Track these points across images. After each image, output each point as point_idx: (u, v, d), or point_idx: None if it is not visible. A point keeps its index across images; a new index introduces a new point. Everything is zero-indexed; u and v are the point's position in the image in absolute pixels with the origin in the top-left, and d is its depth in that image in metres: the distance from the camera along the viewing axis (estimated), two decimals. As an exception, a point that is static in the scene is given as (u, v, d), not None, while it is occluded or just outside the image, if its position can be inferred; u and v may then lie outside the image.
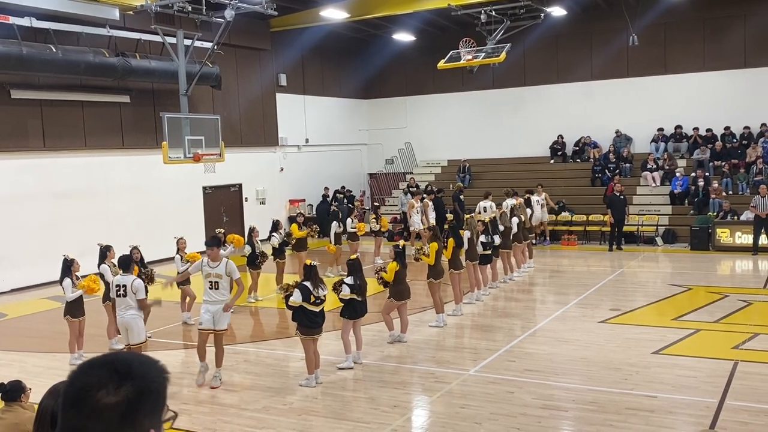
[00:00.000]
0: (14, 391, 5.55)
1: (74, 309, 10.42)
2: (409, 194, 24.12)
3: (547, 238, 21.21)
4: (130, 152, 19.43)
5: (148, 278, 11.76)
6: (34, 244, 16.76)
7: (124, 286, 9.19)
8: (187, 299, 12.92)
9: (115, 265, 11.30)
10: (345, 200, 25.26)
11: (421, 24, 24.86)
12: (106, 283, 11.09)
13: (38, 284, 16.57)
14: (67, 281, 10.31)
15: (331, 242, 17.09)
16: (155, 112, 19.23)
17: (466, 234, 13.37)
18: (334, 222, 17.25)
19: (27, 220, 16.82)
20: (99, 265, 11.27)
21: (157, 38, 17.45)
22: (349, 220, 17.71)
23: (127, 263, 9.51)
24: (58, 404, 1.58)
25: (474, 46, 19.66)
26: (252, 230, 14.57)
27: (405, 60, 27.54)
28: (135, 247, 11.87)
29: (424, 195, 21.39)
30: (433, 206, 20.69)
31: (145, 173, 19.54)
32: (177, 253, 12.83)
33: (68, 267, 10.43)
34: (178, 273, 12.12)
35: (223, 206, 22.85)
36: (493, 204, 18.75)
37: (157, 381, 1.61)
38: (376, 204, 23.87)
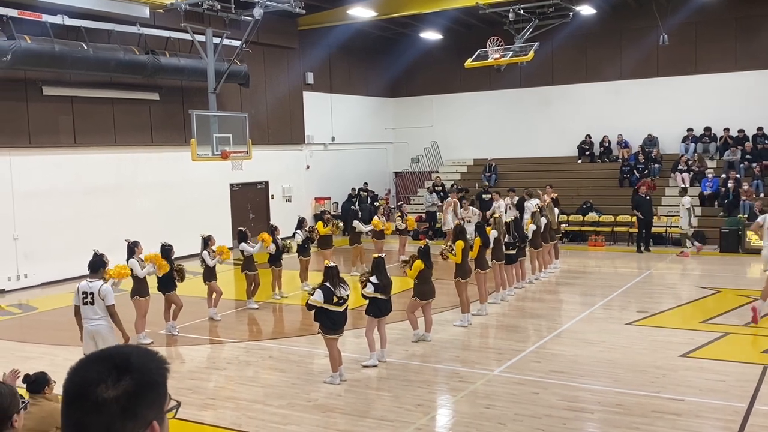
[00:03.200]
0: (39, 383, 5.59)
1: None
2: (434, 193, 24.12)
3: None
4: (159, 149, 19.64)
5: (180, 275, 11.91)
6: (64, 239, 17.01)
7: (92, 293, 8.72)
8: (214, 295, 13.03)
9: (142, 260, 11.46)
10: (369, 199, 25.31)
11: (448, 22, 24.79)
12: (135, 278, 11.24)
13: (68, 278, 16.80)
14: None
15: (367, 237, 16.95)
16: (184, 109, 19.41)
17: (493, 233, 13.34)
18: (356, 221, 17.22)
19: (57, 215, 17.08)
20: (127, 260, 11.41)
21: (187, 36, 17.62)
22: (375, 218, 17.72)
23: (96, 266, 8.97)
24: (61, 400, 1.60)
25: (502, 45, 19.58)
26: (274, 228, 14.67)
27: (432, 58, 27.47)
28: (170, 246, 12.00)
29: (449, 194, 21.37)
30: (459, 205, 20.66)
31: (173, 170, 19.74)
32: (204, 249, 12.95)
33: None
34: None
35: (250, 203, 23.01)
36: (511, 203, 18.78)
37: (157, 373, 1.61)
38: (400, 203, 23.90)
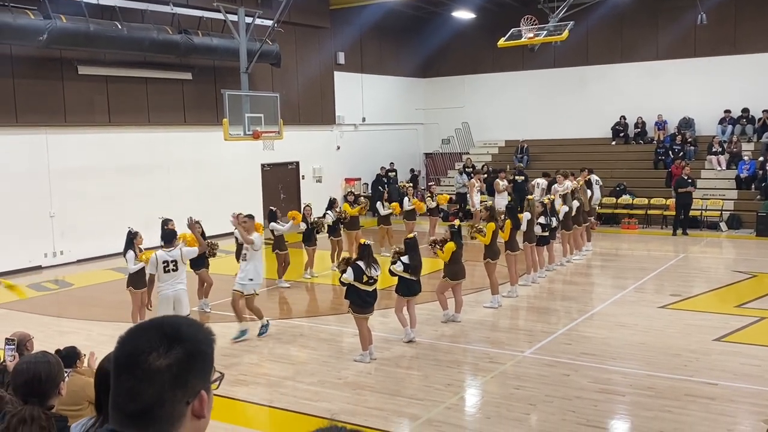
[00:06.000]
0: (69, 357, 5.64)
1: (137, 280, 10.70)
2: (465, 175, 23.99)
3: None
4: (192, 128, 19.79)
5: (210, 251, 12.03)
6: (98, 217, 17.27)
7: (174, 261, 9.41)
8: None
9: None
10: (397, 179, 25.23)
11: (481, 1, 24.50)
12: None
13: (103, 255, 17.09)
14: (131, 253, 10.57)
15: (398, 218, 17.02)
16: (216, 89, 19.51)
17: (525, 215, 13.25)
18: (378, 203, 17.24)
19: (92, 193, 17.35)
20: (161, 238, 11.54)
21: (219, 16, 17.66)
22: (406, 199, 17.69)
23: (170, 237, 9.70)
24: (110, 368, 1.62)
25: (536, 24, 19.28)
26: (305, 207, 14.74)
27: (464, 38, 27.20)
28: (197, 222, 12.10)
29: (472, 175, 21.23)
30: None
31: (205, 149, 19.90)
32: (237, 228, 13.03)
33: (132, 239, 10.71)
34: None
35: (281, 183, 23.12)
36: (545, 181, 18.65)
37: (206, 343, 1.64)
38: (430, 183, 23.82)
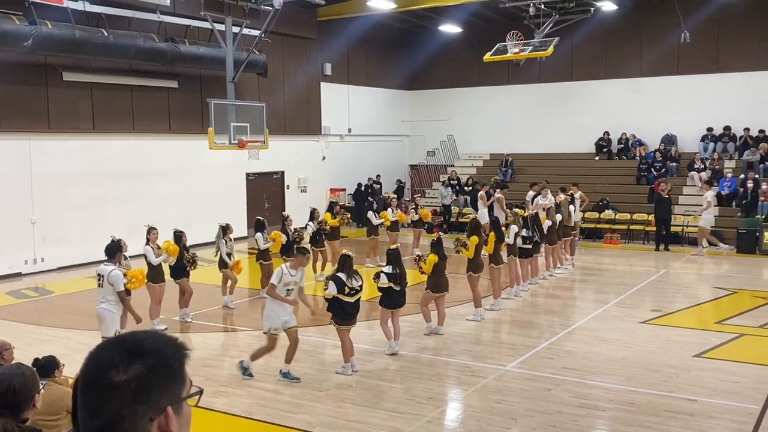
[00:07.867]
0: (48, 367, 5.60)
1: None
2: (450, 187, 24.05)
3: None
4: (177, 137, 19.73)
5: (191, 263, 11.93)
6: (81, 224, 17.15)
7: (101, 276, 8.91)
8: (229, 282, 13.08)
9: (159, 247, 11.52)
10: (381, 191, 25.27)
11: (468, 16, 24.68)
12: (149, 264, 11.30)
13: (84, 263, 16.94)
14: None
15: (381, 228, 17.00)
16: (202, 98, 19.47)
17: (513, 228, 13.30)
18: (370, 212, 17.28)
19: (75, 200, 17.22)
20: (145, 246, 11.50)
21: (206, 25, 17.66)
22: (389, 210, 17.70)
23: (112, 252, 9.17)
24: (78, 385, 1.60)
25: (521, 40, 19.45)
26: (285, 218, 14.71)
27: (450, 52, 27.36)
28: (182, 233, 12.04)
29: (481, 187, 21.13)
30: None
31: (190, 158, 19.83)
32: (222, 237, 13.00)
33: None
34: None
35: (266, 193, 23.08)
36: (532, 193, 18.72)
37: (173, 358, 1.60)
38: (416, 195, 23.85)
